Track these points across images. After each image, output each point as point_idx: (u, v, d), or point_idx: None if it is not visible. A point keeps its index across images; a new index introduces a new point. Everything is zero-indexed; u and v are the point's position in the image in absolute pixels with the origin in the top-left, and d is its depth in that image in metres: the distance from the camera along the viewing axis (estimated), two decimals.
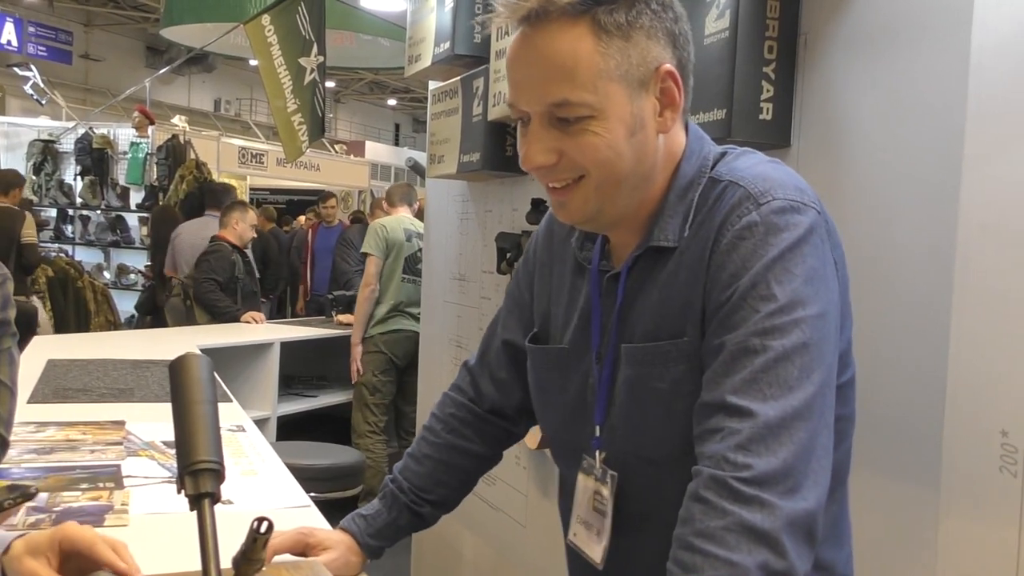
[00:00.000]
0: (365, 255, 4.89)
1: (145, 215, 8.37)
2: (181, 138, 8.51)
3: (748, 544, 0.84)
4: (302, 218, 10.61)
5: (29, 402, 2.36)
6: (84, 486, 1.62)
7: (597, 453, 1.10)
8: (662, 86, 1.00)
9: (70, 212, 9.24)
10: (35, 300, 6.44)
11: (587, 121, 0.97)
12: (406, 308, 4.77)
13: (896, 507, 1.39)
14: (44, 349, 3.50)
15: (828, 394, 0.94)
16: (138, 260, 8.79)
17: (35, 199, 8.63)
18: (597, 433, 1.10)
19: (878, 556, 1.41)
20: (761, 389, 0.90)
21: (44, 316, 6.46)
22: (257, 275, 5.77)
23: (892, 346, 1.40)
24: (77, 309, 7.00)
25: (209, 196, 6.60)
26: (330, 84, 19.44)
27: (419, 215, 5.01)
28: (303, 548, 1.23)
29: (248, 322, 5.16)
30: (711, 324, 0.97)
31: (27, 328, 5.76)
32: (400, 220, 4.95)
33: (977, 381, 1.29)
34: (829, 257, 0.99)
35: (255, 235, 5.65)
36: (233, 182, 10.85)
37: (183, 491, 0.88)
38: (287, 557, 1.22)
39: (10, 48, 15.09)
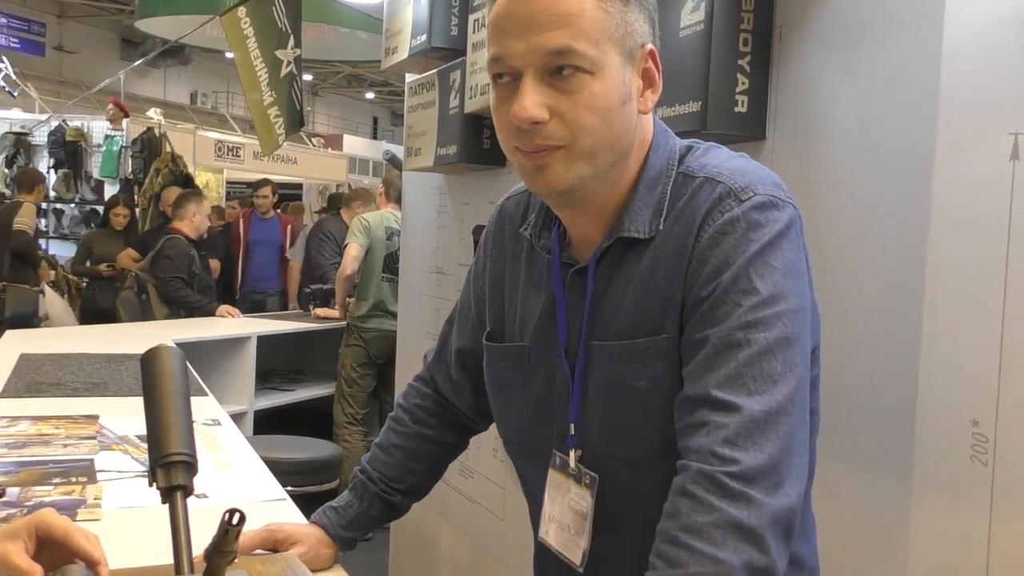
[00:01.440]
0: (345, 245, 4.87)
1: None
2: (156, 131, 8.43)
3: (734, 541, 0.84)
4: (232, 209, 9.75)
5: (1, 396, 2.34)
6: (57, 480, 1.60)
7: (572, 452, 1.09)
8: (645, 66, 1.00)
9: (43, 206, 9.15)
10: (49, 291, 6.31)
11: (584, 78, 0.95)
12: (387, 307, 4.76)
13: (868, 497, 1.40)
14: (17, 343, 3.46)
15: (805, 389, 0.95)
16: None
17: (7, 192, 8.53)
18: (572, 431, 1.08)
19: (851, 546, 1.42)
20: (746, 383, 0.90)
21: (60, 307, 6.28)
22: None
23: (865, 337, 1.41)
24: None
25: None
26: (307, 77, 19.35)
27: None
28: (272, 544, 1.23)
29: (223, 316, 5.13)
30: (691, 318, 0.97)
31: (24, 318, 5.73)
32: (383, 217, 4.91)
33: (948, 372, 1.31)
34: (803, 253, 1.00)
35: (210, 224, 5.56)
36: (210, 175, 10.79)
37: (155, 484, 0.87)
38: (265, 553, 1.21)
39: None
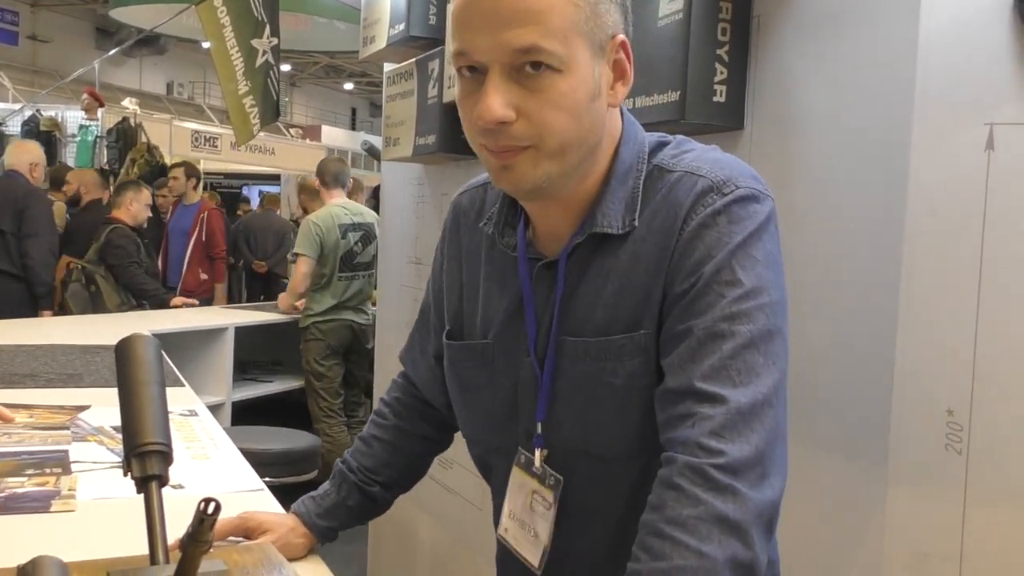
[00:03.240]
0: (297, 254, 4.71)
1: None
2: (132, 121, 8.36)
3: (719, 535, 0.83)
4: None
5: None
6: (30, 471, 1.58)
7: (538, 451, 1.07)
8: (615, 57, 0.97)
9: None
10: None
11: (552, 76, 0.91)
12: (345, 303, 4.73)
13: (844, 485, 1.41)
14: None
15: (786, 381, 0.95)
16: None
17: None
18: (539, 431, 1.06)
19: (826, 534, 1.43)
20: (731, 375, 0.90)
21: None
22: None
23: (841, 326, 1.42)
24: None
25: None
26: (285, 68, 19.23)
27: (375, 197, 4.90)
28: (244, 532, 1.23)
29: (177, 307, 5.08)
30: (672, 311, 0.96)
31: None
32: (333, 215, 4.72)
33: (924, 361, 1.32)
34: (779, 244, 1.00)
35: (150, 215, 5.44)
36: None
37: (130, 474, 0.86)
38: (237, 540, 1.21)
39: None
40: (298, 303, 4.87)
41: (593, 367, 1.01)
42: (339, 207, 4.80)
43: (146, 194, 5.39)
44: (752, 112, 1.62)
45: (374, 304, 4.38)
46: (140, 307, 5.24)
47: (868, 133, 1.40)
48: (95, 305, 5.06)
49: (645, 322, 0.98)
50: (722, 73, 1.60)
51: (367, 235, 4.79)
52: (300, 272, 4.68)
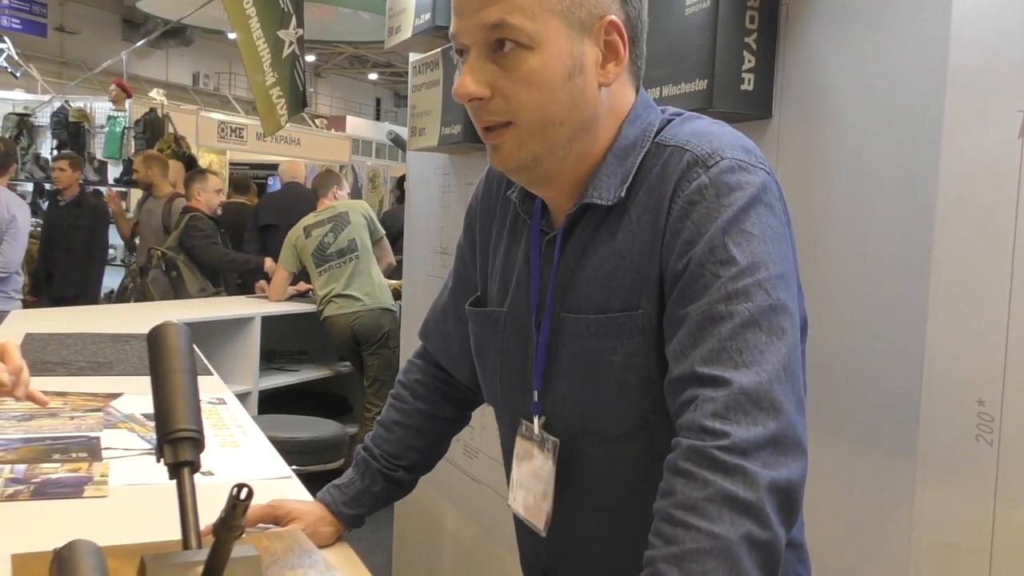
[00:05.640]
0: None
1: (123, 189, 8.26)
2: (159, 112, 8.42)
3: (730, 515, 0.81)
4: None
5: None
6: (62, 458, 1.61)
7: (536, 418, 1.09)
8: (606, 38, 0.98)
9: (47, 187, 9.13)
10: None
11: (523, 52, 0.95)
12: (338, 292, 4.77)
13: (872, 476, 1.40)
14: (23, 323, 3.46)
15: (798, 356, 0.92)
16: (115, 235, 8.69)
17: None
18: (535, 398, 1.08)
19: (855, 525, 1.42)
20: (732, 356, 0.88)
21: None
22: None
23: (870, 315, 1.41)
24: None
25: None
26: (310, 58, 19.26)
27: (400, 187, 4.93)
28: (272, 519, 1.24)
29: (270, 271, 5.19)
30: (671, 294, 0.95)
31: None
32: (304, 220, 4.94)
33: (954, 351, 1.30)
34: (784, 217, 0.98)
35: (223, 199, 5.56)
36: (213, 156, 10.78)
37: (162, 460, 0.88)
38: (267, 527, 1.22)
39: None
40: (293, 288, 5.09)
41: (592, 344, 1.01)
42: (313, 212, 4.99)
43: (211, 181, 5.49)
44: (780, 100, 1.61)
45: (398, 297, 4.40)
46: (218, 293, 5.37)
47: (898, 121, 1.39)
48: (176, 291, 5.19)
49: (643, 301, 0.98)
50: (750, 61, 1.59)
51: (336, 225, 4.87)
52: (277, 280, 5.03)
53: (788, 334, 0.91)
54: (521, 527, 1.17)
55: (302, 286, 5.12)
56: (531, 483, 1.10)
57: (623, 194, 1.00)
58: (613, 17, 0.98)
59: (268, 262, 5.26)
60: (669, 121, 1.04)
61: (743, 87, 1.59)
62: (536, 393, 1.08)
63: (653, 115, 1.05)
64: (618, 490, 1.05)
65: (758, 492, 0.83)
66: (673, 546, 0.83)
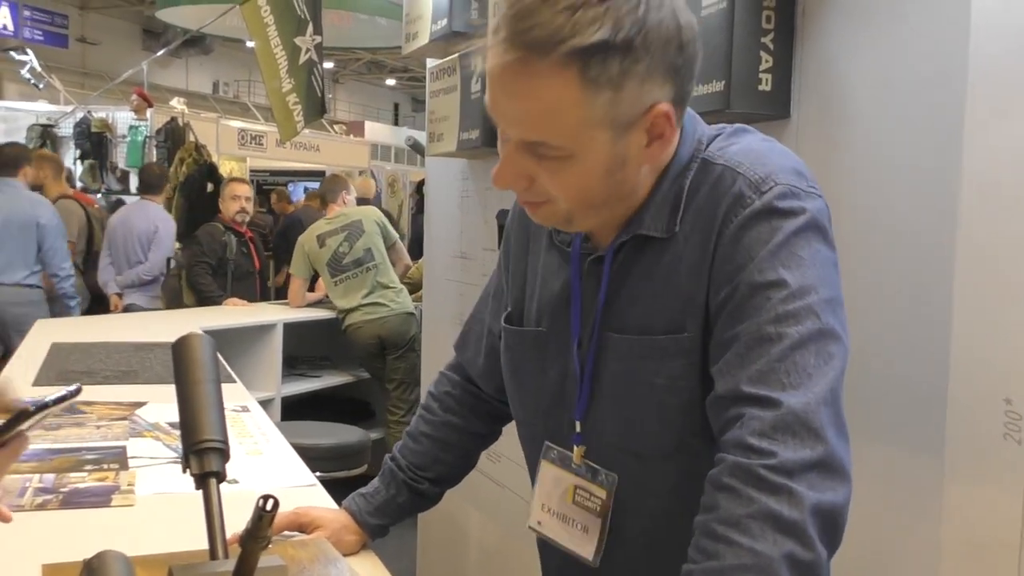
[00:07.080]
0: None
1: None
2: (180, 120, 8.47)
3: (773, 533, 0.81)
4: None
5: (34, 385, 2.37)
6: (90, 467, 1.62)
7: (575, 448, 1.08)
8: (653, 121, 0.95)
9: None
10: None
11: (563, 160, 0.94)
12: (360, 305, 4.77)
13: (900, 475, 1.39)
14: (49, 332, 3.50)
15: (842, 383, 0.92)
16: None
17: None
18: (578, 429, 1.07)
19: (883, 523, 1.41)
20: (780, 378, 0.88)
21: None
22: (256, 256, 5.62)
23: (895, 315, 1.40)
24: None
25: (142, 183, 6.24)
26: (328, 65, 19.32)
27: (419, 192, 4.95)
28: (298, 527, 1.25)
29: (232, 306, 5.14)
30: (720, 317, 0.95)
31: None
32: (314, 229, 4.94)
33: (981, 349, 1.29)
34: (833, 243, 0.97)
35: (246, 211, 5.44)
36: (233, 164, 10.84)
37: (188, 470, 0.88)
38: (292, 535, 1.22)
39: (6, 33, 15.06)
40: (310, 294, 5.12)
41: (635, 365, 1.01)
42: (324, 219, 4.99)
43: (228, 188, 5.46)
44: (799, 100, 1.60)
45: (419, 300, 4.41)
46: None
47: (919, 119, 1.37)
48: (182, 298, 5.22)
49: (689, 324, 0.97)
50: (767, 62, 1.59)
51: (351, 234, 4.86)
52: (292, 291, 5.05)
53: (836, 359, 0.91)
54: (546, 548, 1.16)
55: (320, 290, 5.13)
56: (571, 512, 1.09)
57: (677, 228, 0.99)
58: (662, 106, 0.94)
59: (232, 302, 5.13)
60: (716, 135, 1.03)
61: (761, 88, 1.59)
62: (579, 424, 1.07)
63: (700, 128, 1.04)
64: (654, 511, 1.05)
65: (802, 513, 0.82)
66: (713, 560, 0.83)
